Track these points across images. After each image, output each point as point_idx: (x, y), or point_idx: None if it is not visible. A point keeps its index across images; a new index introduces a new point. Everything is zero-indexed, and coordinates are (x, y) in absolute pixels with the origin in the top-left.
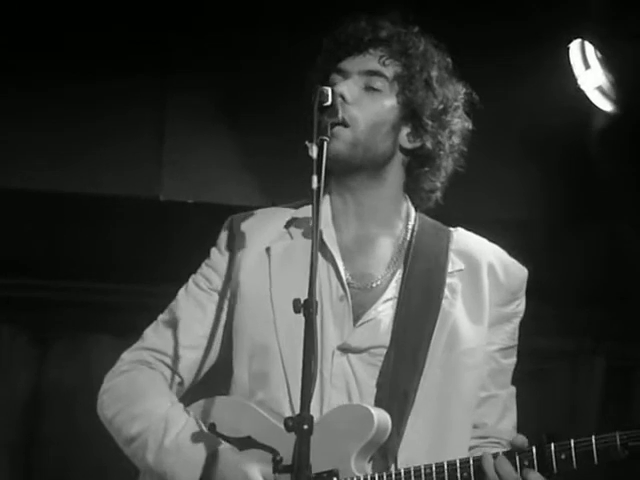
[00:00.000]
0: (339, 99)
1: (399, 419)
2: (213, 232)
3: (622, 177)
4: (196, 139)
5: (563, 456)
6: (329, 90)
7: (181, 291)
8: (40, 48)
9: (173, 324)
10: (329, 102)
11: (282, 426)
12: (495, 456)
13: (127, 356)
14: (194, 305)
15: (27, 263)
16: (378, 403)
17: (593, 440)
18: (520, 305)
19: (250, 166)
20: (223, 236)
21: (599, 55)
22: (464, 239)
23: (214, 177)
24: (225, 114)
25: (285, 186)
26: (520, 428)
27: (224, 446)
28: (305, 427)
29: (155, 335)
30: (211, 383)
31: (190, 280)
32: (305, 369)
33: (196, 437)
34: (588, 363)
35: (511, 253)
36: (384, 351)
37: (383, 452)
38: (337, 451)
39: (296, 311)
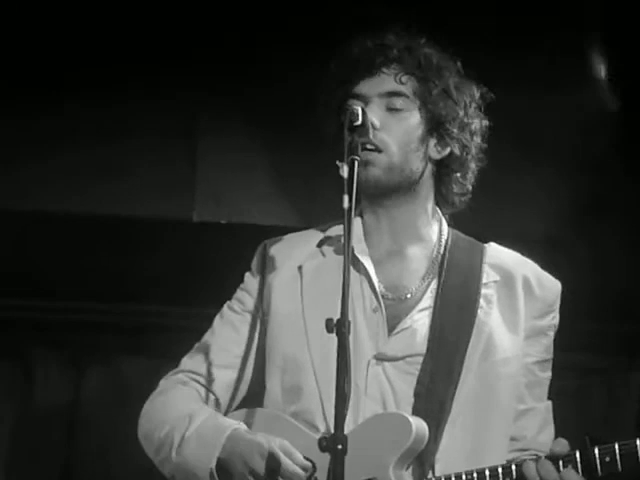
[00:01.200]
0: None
1: (436, 427)
2: (246, 253)
3: None
4: (229, 160)
5: (607, 459)
6: (359, 109)
7: (216, 317)
8: (71, 70)
9: (207, 348)
10: (359, 121)
11: (316, 437)
12: (537, 460)
13: (163, 381)
14: (228, 328)
15: (62, 286)
16: (416, 412)
17: (638, 443)
18: (555, 318)
19: (282, 187)
20: (255, 260)
21: (622, 70)
22: (497, 253)
23: (247, 198)
24: (257, 135)
25: (317, 207)
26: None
27: (239, 426)
28: (339, 447)
29: (190, 359)
30: (246, 403)
31: (225, 306)
32: (338, 388)
33: (216, 424)
34: (623, 379)
35: (544, 268)
36: (420, 359)
37: (420, 460)
38: (375, 460)
39: (329, 331)
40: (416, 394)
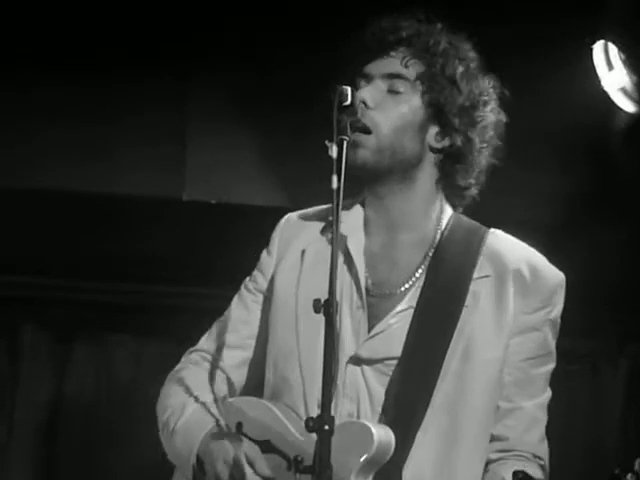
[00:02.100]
0: (361, 105)
1: (405, 434)
2: (236, 232)
3: None
4: (218, 139)
5: None
6: (348, 89)
7: (235, 295)
8: (60, 48)
9: (222, 327)
10: (348, 102)
11: (298, 435)
12: None
13: (183, 358)
14: (242, 306)
15: (50, 263)
16: (385, 414)
17: None
18: (552, 313)
19: (272, 166)
20: (272, 237)
21: (622, 56)
22: (498, 241)
23: (236, 177)
24: (247, 114)
25: (308, 186)
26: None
27: (219, 424)
28: (326, 428)
29: (205, 338)
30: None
31: (242, 283)
32: (326, 370)
33: (199, 420)
34: (612, 365)
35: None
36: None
37: (387, 469)
38: (338, 466)
39: (316, 311)
40: (386, 396)
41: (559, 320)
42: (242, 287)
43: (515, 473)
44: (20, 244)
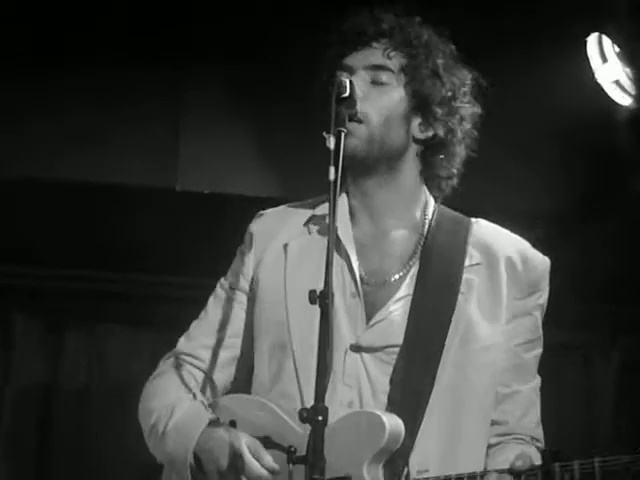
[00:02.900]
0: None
1: (412, 420)
2: (229, 223)
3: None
4: (212, 130)
5: (568, 477)
6: (347, 81)
7: (210, 296)
8: (53, 37)
9: (200, 328)
10: (347, 93)
11: (298, 427)
12: (500, 473)
13: (160, 363)
14: (220, 306)
15: (42, 252)
16: (391, 402)
17: (596, 464)
18: (541, 297)
19: (266, 157)
20: (247, 235)
21: (617, 49)
22: (483, 230)
23: (230, 168)
24: (241, 104)
25: (301, 177)
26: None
27: (215, 420)
28: (319, 418)
29: (184, 340)
30: (240, 383)
31: (218, 283)
32: (320, 360)
33: (194, 415)
34: (604, 357)
35: (533, 246)
36: (398, 350)
37: (395, 455)
38: (350, 457)
39: (312, 302)
40: (392, 384)
41: (546, 305)
42: (218, 287)
43: (543, 451)
44: (11, 234)
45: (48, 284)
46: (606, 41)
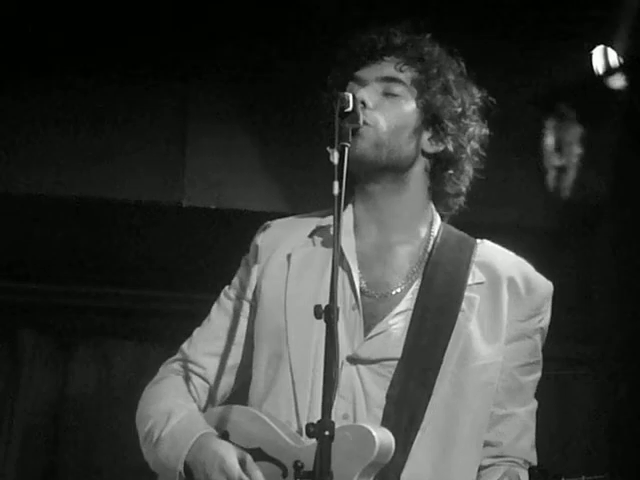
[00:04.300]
0: (360, 105)
1: (406, 435)
2: (235, 237)
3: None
4: (218, 145)
5: None
6: (350, 96)
7: (214, 304)
8: (58, 53)
9: (202, 335)
10: (350, 108)
11: (289, 440)
12: None
13: (161, 369)
14: (222, 315)
15: (49, 268)
16: (386, 417)
17: None
18: (542, 321)
19: (272, 172)
20: (253, 244)
21: (622, 60)
22: (488, 251)
23: (236, 183)
24: (247, 120)
25: (307, 192)
26: (540, 435)
27: (208, 431)
28: (326, 433)
29: (186, 347)
30: (239, 393)
31: (222, 292)
32: (326, 374)
33: (190, 425)
34: (608, 371)
35: (528, 260)
36: (395, 363)
37: (386, 470)
38: (339, 471)
39: (317, 316)
40: (388, 398)
41: (547, 329)
42: (222, 295)
43: (531, 468)
44: (20, 250)
45: (56, 300)
46: (611, 53)
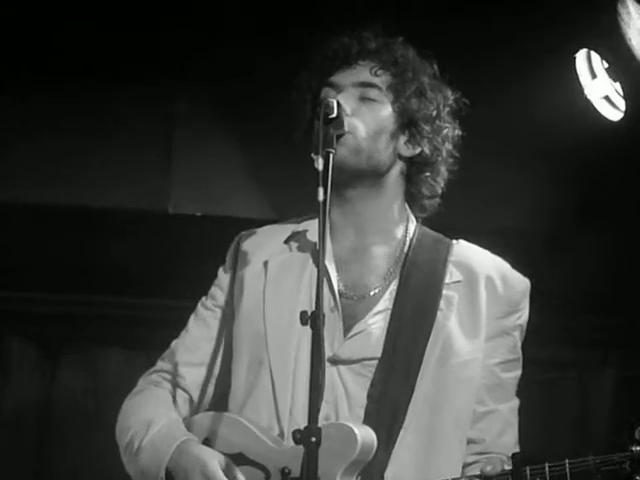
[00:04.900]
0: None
1: (388, 434)
2: (221, 245)
3: (628, 185)
4: (204, 152)
5: (538, 479)
6: (334, 102)
7: (191, 315)
8: (46, 60)
9: (181, 346)
10: (334, 114)
11: (271, 443)
12: (471, 478)
13: (140, 381)
14: (200, 325)
15: (36, 276)
16: (368, 415)
17: (567, 464)
18: (521, 318)
19: (258, 179)
20: (229, 255)
21: (606, 65)
22: (464, 251)
23: (222, 190)
24: (233, 127)
25: (292, 199)
26: (530, 439)
27: (189, 437)
28: (313, 439)
29: (165, 358)
30: (220, 400)
31: (199, 303)
32: (312, 381)
33: (170, 431)
34: (597, 373)
35: (515, 262)
36: (376, 362)
37: (370, 468)
38: (322, 469)
39: (303, 323)
40: (369, 398)
41: (525, 326)
42: (199, 305)
43: (514, 454)
44: (5, 258)
45: (43, 308)
46: (595, 57)
